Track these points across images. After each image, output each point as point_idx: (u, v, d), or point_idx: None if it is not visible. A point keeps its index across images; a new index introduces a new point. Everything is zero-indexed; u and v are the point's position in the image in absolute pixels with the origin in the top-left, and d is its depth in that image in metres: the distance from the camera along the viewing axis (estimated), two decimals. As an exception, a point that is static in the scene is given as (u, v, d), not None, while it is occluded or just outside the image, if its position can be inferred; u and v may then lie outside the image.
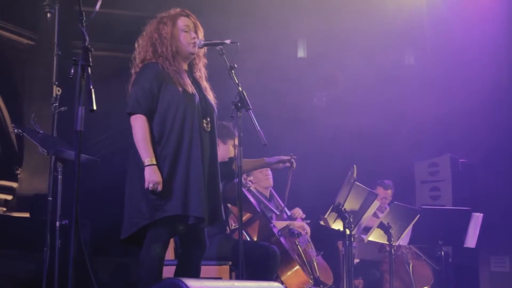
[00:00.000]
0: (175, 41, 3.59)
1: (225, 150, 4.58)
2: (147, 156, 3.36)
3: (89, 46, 2.80)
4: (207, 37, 3.71)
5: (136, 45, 3.66)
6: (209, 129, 3.59)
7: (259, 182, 5.44)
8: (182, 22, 3.64)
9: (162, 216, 3.36)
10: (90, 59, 2.77)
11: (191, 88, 3.53)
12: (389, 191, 6.41)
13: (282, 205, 5.38)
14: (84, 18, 2.90)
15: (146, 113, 3.43)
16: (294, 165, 4.57)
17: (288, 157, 4.54)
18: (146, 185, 3.32)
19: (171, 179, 3.39)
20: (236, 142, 4.39)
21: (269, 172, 5.44)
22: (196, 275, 3.60)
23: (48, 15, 4.96)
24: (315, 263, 5.23)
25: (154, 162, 3.36)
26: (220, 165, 3.73)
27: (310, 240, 5.51)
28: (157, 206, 3.36)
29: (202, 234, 3.62)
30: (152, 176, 3.32)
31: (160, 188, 3.34)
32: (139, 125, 3.41)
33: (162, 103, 3.47)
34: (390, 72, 7.58)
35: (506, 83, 7.45)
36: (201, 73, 3.74)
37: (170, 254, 4.09)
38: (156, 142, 3.43)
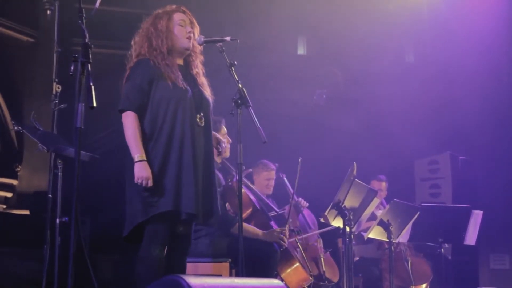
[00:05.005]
0: (171, 34, 3.60)
1: None
2: (136, 152, 3.37)
3: (89, 43, 2.81)
4: (206, 34, 3.71)
5: (132, 42, 3.67)
6: (202, 124, 3.59)
7: (261, 188, 5.46)
8: (178, 16, 3.65)
9: (156, 213, 3.37)
10: (90, 56, 2.78)
11: (182, 83, 3.53)
12: (383, 183, 6.41)
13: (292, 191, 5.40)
14: (84, 15, 2.90)
15: (136, 110, 3.44)
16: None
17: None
18: (135, 181, 3.34)
19: (163, 175, 3.40)
20: (223, 131, 4.44)
21: (272, 183, 5.47)
22: (181, 270, 3.59)
23: (48, 12, 4.98)
24: (322, 259, 5.25)
25: (144, 158, 3.37)
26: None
27: (319, 236, 5.53)
28: (151, 203, 3.38)
29: (188, 229, 3.62)
30: (141, 172, 3.33)
31: (150, 183, 3.34)
32: (129, 121, 3.42)
33: (153, 99, 3.48)
34: (390, 70, 7.57)
35: (506, 81, 7.45)
36: (198, 69, 3.73)
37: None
38: (147, 139, 3.44)
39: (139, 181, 3.33)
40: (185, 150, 3.45)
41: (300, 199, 5.55)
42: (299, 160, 5.11)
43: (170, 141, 3.44)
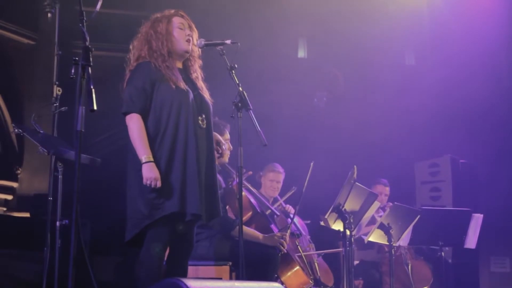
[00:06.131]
0: (170, 36, 3.60)
1: None
2: (143, 153, 3.37)
3: (89, 46, 2.81)
4: (207, 37, 3.71)
5: (131, 47, 3.67)
6: (204, 126, 3.60)
7: (266, 189, 5.46)
8: (177, 20, 3.67)
9: (162, 215, 3.37)
10: (91, 59, 2.78)
11: (183, 85, 3.54)
12: (387, 188, 6.42)
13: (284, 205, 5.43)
14: (85, 18, 2.90)
15: (140, 112, 3.45)
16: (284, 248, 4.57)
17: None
18: (144, 182, 3.32)
19: (167, 177, 3.40)
20: (227, 136, 4.45)
21: (275, 185, 5.47)
22: (183, 273, 3.59)
23: (49, 15, 4.98)
24: (316, 264, 5.24)
25: (151, 159, 3.36)
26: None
27: (311, 241, 5.52)
28: (156, 205, 3.37)
29: (191, 231, 3.62)
30: (150, 173, 3.33)
31: (159, 184, 3.33)
32: (134, 123, 3.42)
33: (156, 101, 3.48)
34: (390, 72, 7.57)
35: (506, 83, 7.45)
36: (197, 74, 3.75)
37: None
38: (151, 140, 3.43)
39: (148, 182, 3.32)
40: (189, 151, 3.45)
41: (287, 205, 5.55)
42: (311, 164, 5.11)
43: (174, 142, 3.44)
